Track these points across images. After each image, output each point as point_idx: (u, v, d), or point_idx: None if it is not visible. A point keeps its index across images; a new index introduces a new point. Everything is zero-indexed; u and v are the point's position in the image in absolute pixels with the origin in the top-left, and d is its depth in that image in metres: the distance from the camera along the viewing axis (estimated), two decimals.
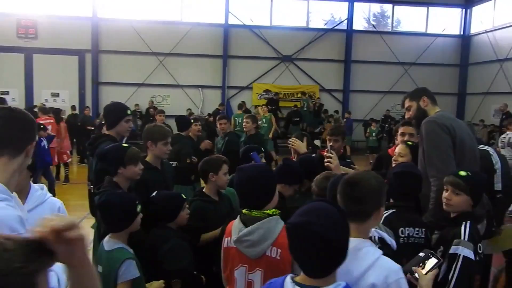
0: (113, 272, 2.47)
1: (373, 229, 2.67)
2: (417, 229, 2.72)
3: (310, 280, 1.58)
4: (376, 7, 20.25)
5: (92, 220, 3.63)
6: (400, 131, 4.04)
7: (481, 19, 18.93)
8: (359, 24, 19.68)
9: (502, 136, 10.32)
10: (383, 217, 2.76)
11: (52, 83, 17.49)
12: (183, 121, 6.63)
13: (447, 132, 3.11)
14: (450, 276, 2.38)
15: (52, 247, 0.88)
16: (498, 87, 17.40)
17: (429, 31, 19.76)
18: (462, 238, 2.47)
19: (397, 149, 3.68)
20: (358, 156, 14.91)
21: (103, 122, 5.44)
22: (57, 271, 1.41)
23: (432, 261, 2.11)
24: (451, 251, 2.42)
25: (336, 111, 18.11)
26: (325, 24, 19.61)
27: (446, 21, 19.68)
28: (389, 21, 20.21)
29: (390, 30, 19.98)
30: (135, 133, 12.02)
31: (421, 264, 2.15)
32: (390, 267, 1.81)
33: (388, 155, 4.18)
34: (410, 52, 19.24)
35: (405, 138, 3.87)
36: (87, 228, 3.66)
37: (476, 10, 19.48)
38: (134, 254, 2.61)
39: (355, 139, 17.86)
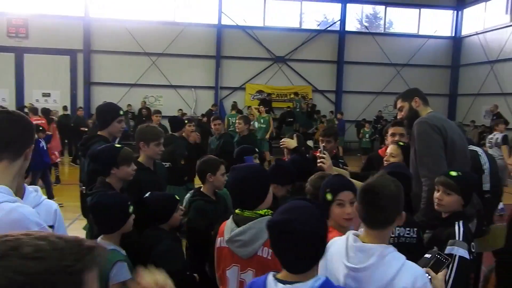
0: (105, 274, 2.46)
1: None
2: (408, 228, 2.73)
3: (291, 276, 1.63)
4: (368, 9, 20.36)
5: (84, 222, 3.61)
6: (390, 131, 4.07)
7: (472, 21, 19.11)
8: (351, 25, 19.78)
9: (490, 136, 10.49)
10: None
11: (43, 83, 17.37)
12: (176, 122, 6.62)
13: (438, 132, 3.14)
14: (447, 277, 2.40)
15: None
16: (488, 88, 17.57)
17: (421, 33, 19.91)
18: (457, 238, 2.50)
19: (389, 150, 3.70)
20: (351, 156, 14.96)
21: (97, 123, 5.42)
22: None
23: (440, 261, 2.12)
24: (446, 251, 2.44)
25: (331, 112, 18.16)
26: (318, 25, 19.68)
27: (437, 23, 19.85)
28: (382, 22, 20.33)
29: (382, 31, 20.11)
30: (127, 133, 11.97)
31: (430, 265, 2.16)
32: (417, 272, 1.83)
33: (379, 155, 4.20)
34: (402, 53, 19.37)
35: (396, 139, 3.90)
36: (79, 229, 3.64)
37: (467, 12, 19.66)
38: (127, 256, 2.60)
39: (347, 139, 17.94)
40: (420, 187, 3.12)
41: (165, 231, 2.94)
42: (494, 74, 17.27)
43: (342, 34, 19.17)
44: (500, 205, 5.83)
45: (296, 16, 19.32)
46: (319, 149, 3.75)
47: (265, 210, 2.25)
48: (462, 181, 2.63)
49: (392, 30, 20.37)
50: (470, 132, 15.01)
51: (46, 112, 11.63)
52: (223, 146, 6.26)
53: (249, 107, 17.70)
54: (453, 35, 20.15)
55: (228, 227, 2.28)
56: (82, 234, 3.49)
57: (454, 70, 20.12)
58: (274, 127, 16.50)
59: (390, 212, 1.88)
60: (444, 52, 20.08)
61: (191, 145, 6.47)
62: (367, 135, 16.38)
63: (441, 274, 2.04)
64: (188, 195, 4.05)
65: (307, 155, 4.17)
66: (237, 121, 7.05)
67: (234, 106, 15.46)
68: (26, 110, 11.28)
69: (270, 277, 1.66)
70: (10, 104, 15.81)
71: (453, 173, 2.66)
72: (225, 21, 18.42)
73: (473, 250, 2.52)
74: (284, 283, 1.61)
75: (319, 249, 1.63)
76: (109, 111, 3.74)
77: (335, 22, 19.32)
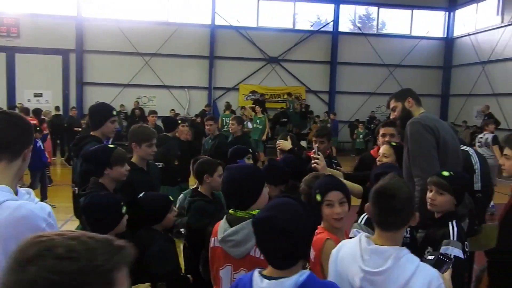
0: None
1: (354, 230, 2.70)
2: None
3: (276, 271, 1.65)
4: (361, 10, 20.44)
5: (76, 222, 3.59)
6: (380, 132, 4.11)
7: (464, 22, 19.27)
8: (345, 26, 19.85)
9: (479, 136, 10.62)
10: (365, 218, 2.80)
11: (35, 83, 17.24)
12: (170, 122, 6.61)
13: (431, 133, 3.16)
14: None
15: None
16: (480, 89, 17.71)
17: (413, 34, 20.03)
18: (451, 238, 2.51)
19: (381, 150, 3.72)
20: (344, 157, 15.02)
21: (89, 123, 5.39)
22: None
23: (443, 261, 2.14)
24: (441, 251, 2.45)
25: (326, 112, 18.20)
26: (311, 25, 19.72)
27: (430, 24, 19.98)
28: (375, 23, 20.42)
29: (375, 32, 20.20)
30: (120, 134, 11.92)
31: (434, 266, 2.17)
32: (432, 273, 1.84)
33: (371, 156, 4.23)
34: (395, 54, 19.48)
35: (386, 139, 3.93)
36: None
37: (459, 13, 19.81)
38: None
39: (341, 140, 18.01)
40: (413, 187, 3.14)
41: (158, 232, 2.93)
42: (486, 74, 17.41)
43: (335, 35, 19.23)
44: (491, 204, 5.89)
45: (290, 16, 19.36)
46: (313, 150, 3.76)
47: (258, 210, 2.25)
48: (454, 181, 2.65)
49: (384, 31, 20.47)
50: (462, 132, 15.11)
51: (37, 113, 11.54)
52: (217, 147, 6.25)
53: (242, 107, 17.72)
54: (445, 36, 20.29)
55: (221, 227, 2.29)
56: None
57: (446, 70, 20.26)
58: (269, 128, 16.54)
59: (406, 214, 1.89)
60: (436, 53, 20.21)
61: (184, 145, 6.46)
62: (361, 136, 16.45)
63: (447, 274, 2.06)
64: (181, 195, 4.05)
65: (302, 155, 4.19)
66: (230, 121, 7.04)
67: (228, 106, 15.45)
68: (16, 110, 11.19)
69: (256, 273, 1.69)
70: (1, 104, 15.66)
71: (446, 173, 2.68)
72: (218, 22, 18.40)
73: (466, 250, 2.54)
74: (269, 279, 1.64)
75: (303, 245, 1.66)
76: (102, 111, 3.73)
77: (328, 23, 19.38)
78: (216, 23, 18.39)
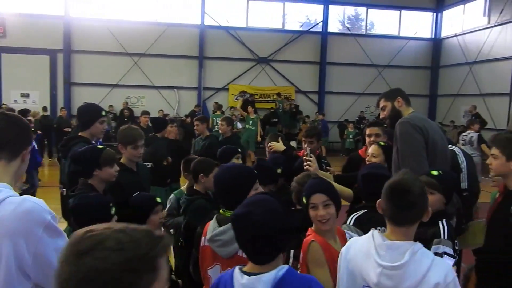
0: None
1: (345, 231, 2.71)
2: None
3: (256, 267, 1.69)
4: (350, 10, 20.57)
5: (64, 224, 3.55)
6: (367, 132, 4.15)
7: (451, 23, 19.48)
8: (334, 26, 19.94)
9: (464, 134, 10.77)
10: (353, 219, 2.81)
11: (22, 83, 17.03)
12: (158, 122, 6.60)
13: (420, 132, 3.19)
14: None
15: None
16: (467, 89, 17.92)
17: (401, 34, 20.21)
18: (442, 237, 2.53)
19: (370, 150, 3.75)
20: (334, 157, 15.08)
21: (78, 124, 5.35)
22: None
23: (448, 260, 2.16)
24: (432, 250, 2.47)
25: (318, 113, 18.27)
26: (301, 26, 19.78)
27: (418, 25, 20.16)
28: (363, 24, 20.55)
29: (364, 33, 20.32)
30: (109, 134, 11.85)
31: None
32: (447, 266, 1.88)
33: (359, 156, 4.26)
34: (384, 55, 19.62)
35: (372, 139, 3.97)
36: None
37: (447, 14, 20.02)
38: None
39: (330, 140, 18.08)
40: None
41: None
42: (473, 75, 17.62)
43: (325, 35, 19.31)
44: None
45: (279, 17, 19.40)
46: (305, 152, 3.76)
47: None
48: (443, 180, 2.68)
49: (373, 32, 20.61)
50: (450, 132, 15.27)
51: (23, 113, 11.40)
52: (207, 148, 6.25)
53: (231, 107, 17.73)
54: (433, 36, 20.50)
55: (211, 226, 2.31)
56: None
57: (434, 71, 20.46)
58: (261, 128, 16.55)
59: (419, 208, 1.92)
60: (424, 54, 20.41)
61: (173, 145, 6.44)
62: (351, 136, 16.54)
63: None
64: (172, 195, 4.02)
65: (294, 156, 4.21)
66: (220, 122, 7.04)
67: (219, 106, 15.43)
68: (1, 111, 11.03)
69: (236, 270, 1.71)
70: None
71: (435, 172, 2.71)
72: (208, 22, 18.37)
73: (456, 248, 2.57)
74: (249, 275, 1.66)
75: (280, 241, 1.69)
76: (91, 112, 3.71)
77: (317, 23, 19.46)
78: (206, 23, 18.36)
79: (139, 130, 3.65)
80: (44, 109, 15.30)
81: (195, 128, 6.85)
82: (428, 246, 2.52)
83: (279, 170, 3.60)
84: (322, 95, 19.51)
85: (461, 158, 3.86)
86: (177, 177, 6.38)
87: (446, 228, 2.58)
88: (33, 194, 8.32)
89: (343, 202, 2.60)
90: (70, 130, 12.07)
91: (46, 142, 14.47)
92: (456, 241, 2.60)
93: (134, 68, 17.90)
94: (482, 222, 3.58)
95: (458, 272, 3.64)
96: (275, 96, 18.61)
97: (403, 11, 20.11)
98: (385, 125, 4.25)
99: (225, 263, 2.19)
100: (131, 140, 3.49)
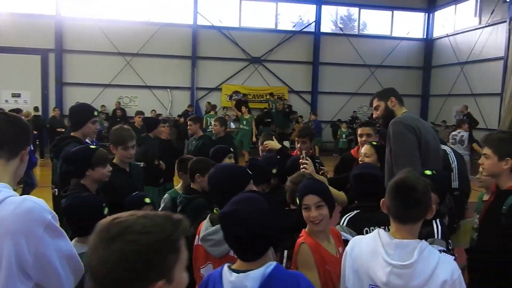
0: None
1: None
2: (382, 227, 2.78)
3: (244, 264, 1.71)
4: (343, 10, 20.62)
5: None
6: (358, 132, 4.18)
7: (443, 23, 19.60)
8: (326, 26, 19.98)
9: (454, 133, 10.87)
10: (346, 219, 2.82)
11: (13, 83, 16.86)
12: (150, 122, 6.61)
13: (413, 132, 3.21)
14: None
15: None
16: (459, 89, 18.04)
17: (394, 35, 20.30)
18: (436, 236, 2.55)
19: (363, 150, 3.77)
20: (327, 157, 15.12)
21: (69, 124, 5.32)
22: None
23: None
24: None
25: (311, 113, 18.28)
26: (294, 26, 19.80)
27: (410, 25, 20.27)
28: (356, 24, 20.62)
29: (356, 33, 20.39)
30: (101, 134, 11.78)
31: None
32: (453, 264, 1.90)
33: (352, 156, 4.28)
34: (376, 55, 19.69)
35: (363, 139, 4.00)
36: None
37: (438, 14, 20.15)
38: None
39: (323, 140, 18.12)
40: None
41: None
42: (464, 75, 17.75)
43: (317, 35, 19.35)
44: None
45: (272, 17, 19.40)
46: (301, 155, 3.75)
47: None
48: (437, 179, 2.69)
49: (366, 32, 20.68)
50: (442, 132, 15.37)
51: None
52: (200, 148, 6.24)
53: (225, 107, 17.75)
54: (425, 37, 20.62)
55: (204, 225, 2.32)
56: None
57: (426, 71, 20.58)
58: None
59: (424, 206, 1.94)
60: (416, 54, 20.52)
61: (165, 145, 6.43)
62: (344, 136, 16.59)
63: None
64: (166, 195, 4.01)
65: (290, 155, 4.23)
66: (213, 122, 7.03)
67: (214, 107, 15.46)
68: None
69: (225, 268, 1.73)
70: None
71: (428, 172, 2.72)
72: (200, 22, 18.33)
73: (450, 248, 2.59)
74: (238, 272, 1.68)
75: (267, 238, 1.71)
76: (83, 112, 3.69)
77: (310, 24, 19.49)
78: (198, 23, 18.32)
79: (130, 131, 3.62)
80: (36, 109, 15.18)
81: (188, 128, 6.84)
82: None
83: (274, 171, 3.60)
84: (315, 95, 19.55)
85: (452, 157, 3.90)
86: (170, 177, 6.37)
87: (440, 227, 2.60)
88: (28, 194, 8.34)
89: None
90: (63, 130, 12.00)
91: (37, 142, 14.35)
92: (450, 240, 2.62)
93: (126, 68, 17.82)
94: (470, 220, 3.64)
95: None
96: (268, 96, 18.63)
97: (395, 12, 20.21)
98: (378, 125, 4.28)
99: (217, 263, 2.19)
100: (121, 140, 3.48)
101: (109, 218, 1.11)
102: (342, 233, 2.58)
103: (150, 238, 1.05)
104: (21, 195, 1.63)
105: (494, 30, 16.33)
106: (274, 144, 4.35)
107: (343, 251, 2.40)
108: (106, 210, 2.64)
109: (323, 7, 19.41)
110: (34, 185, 8.23)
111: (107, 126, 15.76)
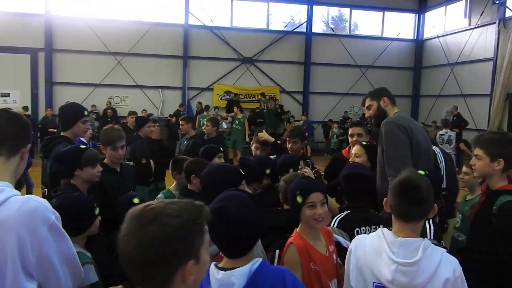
0: None
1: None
2: (373, 226, 2.79)
3: (230, 262, 1.74)
4: (334, 11, 20.70)
5: None
6: (349, 132, 4.20)
7: (433, 25, 19.76)
8: (318, 27, 20.04)
9: (441, 133, 11.00)
10: (337, 220, 2.82)
11: (2, 82, 16.66)
12: (139, 121, 6.61)
13: (405, 133, 3.23)
14: None
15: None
16: (449, 90, 18.19)
17: (385, 35, 20.42)
18: (428, 236, 2.57)
19: (353, 150, 3.79)
20: (318, 157, 15.16)
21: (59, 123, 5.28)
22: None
23: None
24: None
25: (305, 113, 18.32)
26: (285, 26, 19.83)
27: (400, 26, 20.40)
28: (347, 24, 20.71)
29: (348, 33, 20.47)
30: (92, 134, 11.67)
31: None
32: (454, 262, 1.94)
33: (343, 156, 4.30)
34: (367, 55, 19.79)
35: (354, 139, 4.03)
36: None
37: (429, 15, 20.30)
38: (93, 259, 2.54)
39: (315, 140, 18.16)
40: (386, 185, 3.20)
41: None
42: (454, 76, 17.90)
43: (309, 36, 19.39)
44: None
45: (263, 17, 19.41)
46: (300, 166, 3.75)
47: None
48: (430, 179, 2.71)
49: (357, 32, 20.77)
50: (432, 132, 15.49)
51: None
52: (191, 148, 6.23)
53: (216, 107, 17.73)
54: (415, 37, 20.76)
55: None
56: None
57: (416, 72, 20.72)
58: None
59: (427, 204, 1.98)
60: (407, 54, 20.66)
61: (155, 144, 6.40)
62: (335, 136, 16.65)
63: None
64: (160, 195, 3.99)
65: (285, 147, 4.25)
66: (205, 123, 7.01)
67: (207, 107, 15.45)
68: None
69: (212, 266, 1.75)
70: None
71: (421, 172, 2.73)
72: (192, 21, 18.28)
73: (443, 247, 2.60)
74: (225, 270, 1.70)
75: (252, 234, 1.74)
76: (73, 112, 3.67)
77: (301, 24, 19.52)
78: (190, 22, 18.27)
79: (118, 131, 3.59)
80: (25, 108, 15.03)
81: (180, 127, 6.81)
82: None
83: (267, 171, 3.60)
84: (306, 95, 19.59)
85: (440, 158, 3.94)
86: (162, 177, 6.35)
87: (432, 228, 2.62)
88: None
89: None
90: (55, 130, 11.89)
91: None
92: (442, 240, 2.64)
93: (117, 68, 17.71)
94: (455, 221, 3.70)
95: None
96: (259, 96, 18.63)
97: (386, 12, 20.33)
98: (369, 125, 4.30)
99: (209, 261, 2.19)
100: (110, 141, 3.48)
101: (140, 206, 1.20)
102: (334, 235, 2.58)
103: (180, 221, 1.16)
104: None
105: (483, 31, 16.50)
106: (267, 136, 4.38)
107: (334, 249, 2.42)
108: (97, 210, 2.62)
109: (315, 7, 19.46)
110: (30, 185, 8.18)
111: (98, 126, 15.64)
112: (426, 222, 2.63)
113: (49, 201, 2.96)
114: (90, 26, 16.99)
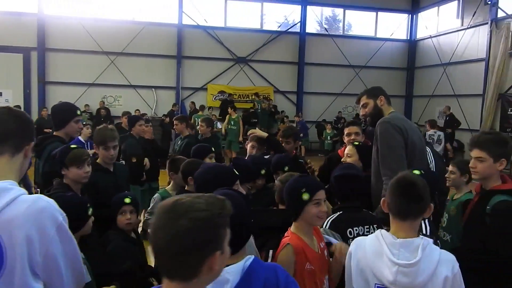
0: None
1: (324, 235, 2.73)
2: (366, 226, 2.79)
3: None
4: (328, 11, 20.74)
5: None
6: (345, 131, 4.19)
7: (426, 25, 19.85)
8: (312, 27, 20.06)
9: (430, 133, 11.05)
10: (329, 222, 2.82)
11: None
12: (131, 120, 6.61)
13: (400, 133, 3.23)
14: None
15: None
16: (442, 90, 18.28)
17: (378, 36, 20.48)
18: (424, 234, 2.58)
19: (346, 150, 3.79)
20: (312, 157, 15.18)
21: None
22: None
23: None
24: None
25: (300, 114, 18.34)
26: (279, 26, 19.84)
27: (394, 26, 20.48)
28: (341, 25, 20.76)
29: (341, 33, 20.52)
30: (91, 134, 11.61)
31: None
32: (452, 258, 1.98)
33: (338, 156, 4.30)
34: (361, 56, 19.84)
35: (351, 138, 4.02)
36: None
37: (422, 16, 20.39)
38: (86, 258, 2.52)
39: (309, 140, 18.21)
40: (381, 185, 3.21)
41: (118, 232, 2.94)
42: (447, 76, 17.99)
43: (303, 36, 19.41)
44: None
45: (257, 17, 19.41)
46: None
47: None
48: (426, 179, 2.71)
49: (350, 33, 20.82)
50: (422, 132, 15.57)
51: None
52: (184, 148, 6.22)
53: (210, 107, 17.71)
54: (409, 38, 20.84)
55: None
56: None
57: (409, 72, 20.81)
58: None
59: (424, 202, 2.01)
60: (400, 55, 20.74)
61: (148, 144, 6.38)
62: (328, 137, 16.68)
63: None
64: (156, 195, 3.98)
65: (279, 141, 4.25)
66: (200, 123, 7.00)
67: (202, 107, 15.43)
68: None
69: None
70: None
71: (417, 172, 2.73)
72: (186, 21, 18.23)
73: (438, 245, 2.62)
74: None
75: (244, 232, 1.77)
76: (66, 111, 3.66)
77: (295, 24, 19.54)
78: (184, 22, 18.22)
79: (111, 132, 3.57)
80: (18, 108, 14.92)
81: (174, 127, 6.80)
82: None
83: (263, 171, 3.59)
84: (300, 95, 19.61)
85: (430, 157, 3.96)
86: (155, 176, 6.33)
87: (428, 227, 2.64)
88: None
89: None
90: (51, 130, 11.77)
91: None
92: (438, 240, 2.66)
93: (110, 67, 17.63)
94: (442, 220, 3.73)
95: None
96: (253, 96, 18.63)
97: (379, 13, 20.39)
98: (363, 124, 4.31)
99: None
100: (102, 141, 3.47)
101: (170, 200, 1.29)
102: (326, 236, 2.58)
103: (207, 214, 1.24)
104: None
105: (476, 32, 16.60)
106: (260, 132, 4.37)
107: (324, 245, 2.43)
108: (90, 210, 2.61)
109: (308, 7, 19.48)
110: (30, 186, 8.15)
111: (91, 125, 15.53)
112: (422, 222, 2.64)
113: None
114: (83, 25, 16.90)
